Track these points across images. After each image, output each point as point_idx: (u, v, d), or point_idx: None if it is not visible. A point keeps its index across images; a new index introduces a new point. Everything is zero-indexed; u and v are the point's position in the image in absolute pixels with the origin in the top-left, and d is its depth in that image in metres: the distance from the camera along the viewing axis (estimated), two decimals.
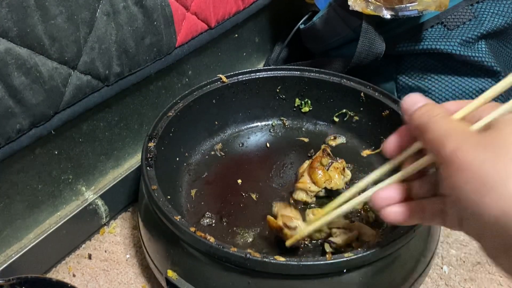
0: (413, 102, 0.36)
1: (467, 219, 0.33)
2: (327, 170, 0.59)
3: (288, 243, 0.49)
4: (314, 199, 0.60)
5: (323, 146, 0.64)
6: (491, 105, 0.34)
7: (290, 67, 0.69)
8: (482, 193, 0.29)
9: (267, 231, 0.56)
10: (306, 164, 0.62)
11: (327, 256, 0.43)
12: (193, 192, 0.61)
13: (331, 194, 0.60)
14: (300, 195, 0.59)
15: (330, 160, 0.60)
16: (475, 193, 0.29)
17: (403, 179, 0.39)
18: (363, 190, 0.42)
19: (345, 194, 0.45)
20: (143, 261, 0.60)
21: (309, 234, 0.50)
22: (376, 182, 0.41)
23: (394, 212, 0.38)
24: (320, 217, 0.46)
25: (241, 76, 0.67)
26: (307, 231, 0.48)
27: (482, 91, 0.69)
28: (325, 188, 0.59)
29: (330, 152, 0.62)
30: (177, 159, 0.63)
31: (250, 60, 0.85)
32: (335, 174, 0.59)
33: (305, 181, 0.59)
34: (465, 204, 0.30)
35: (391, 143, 0.40)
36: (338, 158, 0.61)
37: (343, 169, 0.60)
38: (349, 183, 0.61)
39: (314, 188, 0.59)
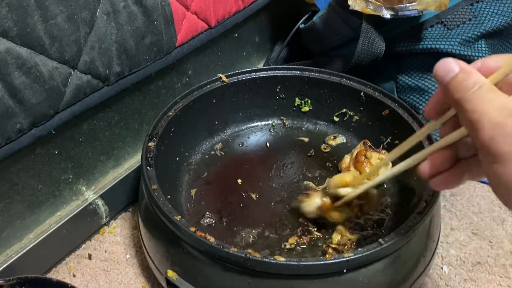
0: (447, 69, 0.33)
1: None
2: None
3: (338, 203, 0.51)
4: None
5: (359, 145, 0.64)
6: None
7: (290, 66, 0.69)
8: None
9: (267, 231, 0.56)
10: (347, 159, 0.62)
11: (327, 256, 0.43)
12: (193, 192, 0.61)
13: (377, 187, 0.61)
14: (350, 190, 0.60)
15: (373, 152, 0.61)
16: (508, 188, 0.29)
17: (445, 146, 0.37)
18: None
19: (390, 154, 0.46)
20: (143, 261, 0.60)
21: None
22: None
23: (442, 183, 0.37)
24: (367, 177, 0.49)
25: (241, 75, 0.67)
26: (355, 193, 0.50)
27: None
28: None
29: (371, 144, 0.62)
30: (177, 159, 0.63)
31: (250, 60, 0.85)
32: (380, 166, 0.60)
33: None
34: (499, 193, 0.30)
35: (431, 105, 0.38)
36: (379, 149, 0.62)
37: None
38: None
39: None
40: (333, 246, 0.53)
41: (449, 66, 0.33)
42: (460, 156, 0.37)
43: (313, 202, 0.54)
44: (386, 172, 0.46)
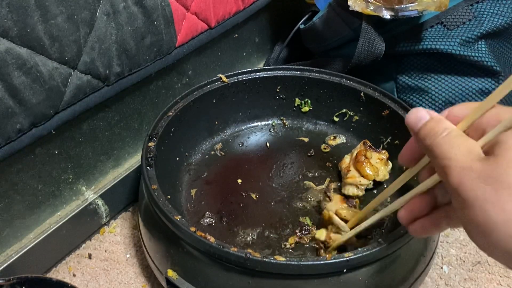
0: (418, 118, 0.34)
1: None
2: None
3: (335, 245, 0.52)
4: (363, 192, 0.60)
5: (360, 145, 0.64)
6: (497, 113, 0.33)
7: (290, 67, 0.69)
8: (486, 233, 0.28)
9: (267, 231, 0.56)
10: (347, 159, 0.62)
11: (327, 256, 0.43)
12: (193, 191, 0.61)
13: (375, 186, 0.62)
14: (351, 190, 0.60)
15: (373, 152, 0.61)
16: (479, 233, 0.29)
17: (424, 191, 0.38)
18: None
19: (376, 199, 0.48)
20: (143, 260, 0.60)
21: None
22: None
23: (419, 229, 0.38)
24: (358, 222, 0.50)
25: (241, 76, 0.67)
26: (348, 236, 0.51)
27: (482, 91, 0.69)
28: (374, 180, 0.60)
29: (371, 144, 0.62)
30: (177, 159, 0.63)
31: (250, 60, 0.85)
32: (380, 166, 0.60)
33: (353, 175, 0.59)
34: (473, 237, 0.30)
35: (405, 153, 0.39)
36: (379, 149, 0.62)
37: (387, 159, 0.61)
38: (392, 172, 0.62)
39: (364, 181, 0.59)
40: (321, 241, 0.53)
41: (420, 114, 0.34)
42: (438, 203, 0.38)
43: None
44: (366, 221, 0.48)
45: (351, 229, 0.51)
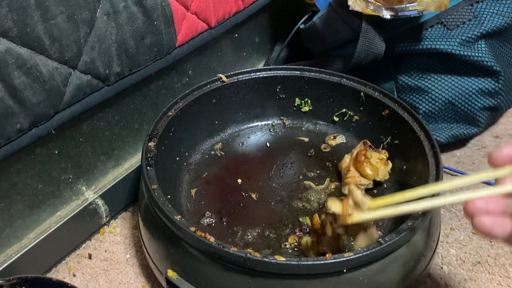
0: None
1: None
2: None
3: (354, 220, 0.43)
4: (364, 192, 0.60)
5: (360, 144, 0.63)
6: None
7: (290, 67, 0.69)
8: None
9: (267, 231, 0.56)
10: (347, 159, 0.62)
11: (327, 256, 0.43)
12: (193, 191, 0.61)
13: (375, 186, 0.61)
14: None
15: (373, 152, 0.61)
16: None
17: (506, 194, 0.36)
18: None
19: (415, 191, 0.42)
20: (143, 260, 0.60)
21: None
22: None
23: (490, 224, 0.35)
24: (384, 207, 0.42)
25: (241, 75, 0.67)
26: (375, 216, 0.44)
27: (482, 91, 0.69)
28: (374, 180, 0.60)
29: (371, 144, 0.62)
30: (177, 158, 0.63)
31: (250, 60, 0.85)
32: (380, 166, 0.60)
33: (353, 175, 0.60)
34: None
35: (503, 154, 0.37)
36: (379, 149, 0.62)
37: (387, 159, 0.61)
38: (392, 172, 0.62)
39: (364, 181, 0.59)
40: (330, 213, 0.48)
41: None
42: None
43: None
44: (405, 207, 0.42)
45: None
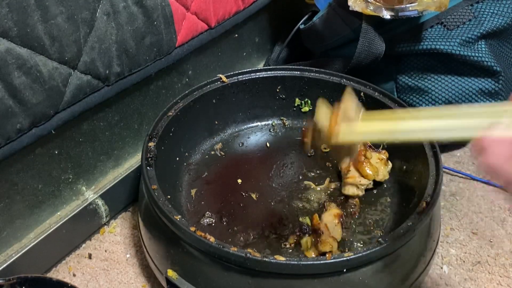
0: None
1: None
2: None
3: (340, 137, 0.39)
4: (363, 192, 0.60)
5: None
6: None
7: (290, 67, 0.69)
8: None
9: (267, 231, 0.56)
10: (347, 159, 0.62)
11: (327, 256, 0.43)
12: (193, 191, 0.61)
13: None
14: (351, 190, 0.60)
15: (373, 152, 0.61)
16: None
17: None
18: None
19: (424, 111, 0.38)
20: (143, 260, 0.60)
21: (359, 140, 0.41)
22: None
23: (504, 156, 0.32)
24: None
25: (241, 76, 0.67)
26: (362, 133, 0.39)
27: (482, 91, 0.69)
28: (374, 180, 0.60)
29: (370, 144, 0.62)
30: (177, 159, 0.63)
31: (250, 60, 0.85)
32: (380, 166, 0.60)
33: (353, 175, 0.60)
34: None
35: None
36: (379, 149, 0.62)
37: (387, 159, 0.61)
38: (391, 172, 0.62)
39: (364, 181, 0.59)
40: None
41: None
42: None
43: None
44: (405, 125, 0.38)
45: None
